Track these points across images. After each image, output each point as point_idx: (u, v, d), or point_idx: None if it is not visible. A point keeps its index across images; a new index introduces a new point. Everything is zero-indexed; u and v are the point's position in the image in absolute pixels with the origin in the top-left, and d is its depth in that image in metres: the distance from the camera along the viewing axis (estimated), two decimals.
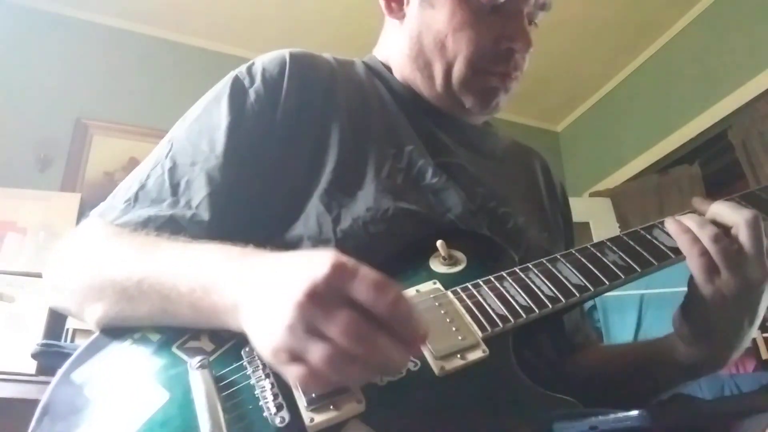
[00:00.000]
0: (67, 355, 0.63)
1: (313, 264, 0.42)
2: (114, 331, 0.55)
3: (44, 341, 0.75)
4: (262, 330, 0.44)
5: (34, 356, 0.75)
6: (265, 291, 0.45)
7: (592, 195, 3.34)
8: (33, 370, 1.85)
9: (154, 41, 3.04)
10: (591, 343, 0.85)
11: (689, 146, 2.95)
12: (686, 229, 0.62)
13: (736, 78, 2.68)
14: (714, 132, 2.82)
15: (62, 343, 1.70)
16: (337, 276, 0.42)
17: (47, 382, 1.63)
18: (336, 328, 0.41)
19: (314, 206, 0.66)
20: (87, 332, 1.91)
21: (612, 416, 0.40)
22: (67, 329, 1.96)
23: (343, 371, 0.42)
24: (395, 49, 0.85)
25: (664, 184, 3.04)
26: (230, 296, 0.48)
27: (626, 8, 2.93)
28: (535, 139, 3.63)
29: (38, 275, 2.07)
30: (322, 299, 0.41)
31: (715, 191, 2.92)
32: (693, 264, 0.61)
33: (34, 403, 0.48)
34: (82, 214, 2.31)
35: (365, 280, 0.42)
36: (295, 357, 0.42)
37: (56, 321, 1.99)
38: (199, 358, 0.49)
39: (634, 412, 0.40)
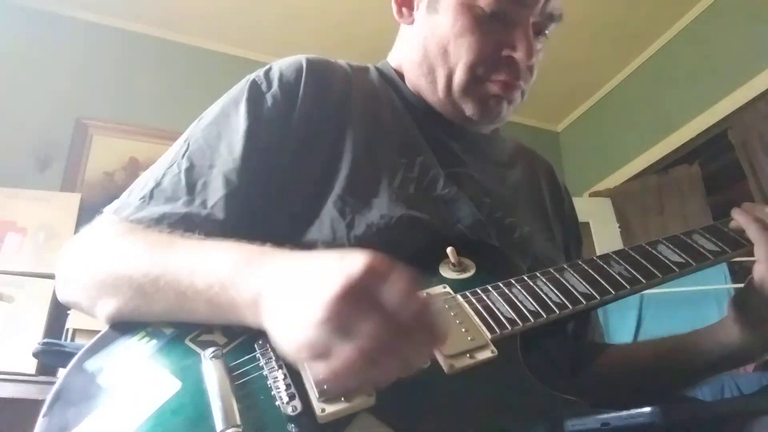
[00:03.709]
0: (69, 354, 0.62)
1: (345, 264, 0.43)
2: (127, 323, 0.56)
3: (46, 340, 0.74)
4: (287, 324, 0.44)
5: (36, 355, 0.75)
6: (291, 286, 0.46)
7: (592, 195, 3.34)
8: (33, 370, 1.85)
9: (154, 41, 3.04)
10: (598, 351, 0.86)
11: (689, 146, 2.95)
12: (756, 219, 0.66)
13: (736, 78, 2.68)
14: (714, 132, 2.82)
15: (64, 342, 1.70)
16: (370, 277, 0.42)
17: (47, 382, 1.63)
18: (366, 331, 0.41)
19: (328, 212, 0.67)
20: (87, 332, 1.92)
21: (624, 413, 0.40)
22: (67, 329, 1.96)
23: (365, 373, 0.42)
24: (406, 55, 0.85)
25: (664, 184, 3.04)
26: (248, 292, 0.49)
27: (626, 8, 2.93)
28: (535, 139, 3.64)
29: (38, 275, 2.07)
30: (354, 299, 0.41)
31: (715, 191, 2.93)
32: (762, 251, 0.64)
33: (34, 403, 0.48)
34: (82, 214, 2.31)
35: (396, 287, 0.42)
36: (320, 355, 0.42)
37: (56, 321, 1.98)
38: (212, 349, 0.50)
39: (646, 409, 0.39)
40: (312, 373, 0.44)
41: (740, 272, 2.55)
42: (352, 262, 0.43)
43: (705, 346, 0.72)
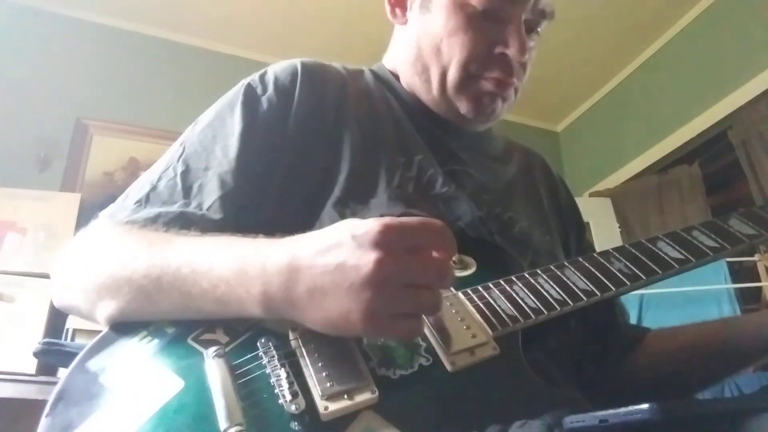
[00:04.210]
0: (69, 354, 0.62)
1: (359, 233, 0.45)
2: (129, 323, 0.55)
3: (46, 339, 0.75)
4: (340, 310, 0.46)
5: (36, 355, 0.75)
6: (319, 274, 0.47)
7: (592, 195, 3.35)
8: (33, 370, 1.85)
9: (154, 41, 3.05)
10: (642, 335, 0.85)
11: (689, 146, 2.96)
12: None
13: (736, 78, 2.69)
14: (714, 132, 2.83)
15: (64, 341, 1.70)
16: (390, 232, 0.45)
17: (47, 382, 1.64)
18: (422, 272, 0.46)
19: (327, 213, 0.67)
20: (87, 332, 1.93)
21: (622, 410, 0.40)
22: (67, 329, 1.96)
23: (438, 301, 0.48)
24: (400, 55, 0.86)
25: (664, 184, 3.05)
26: (258, 288, 0.49)
27: (626, 8, 2.94)
28: (535, 139, 3.64)
29: (38, 275, 2.07)
30: (391, 257, 0.44)
31: (715, 191, 2.93)
32: None
33: (34, 403, 0.47)
34: (82, 214, 2.31)
35: (415, 226, 0.47)
36: (396, 316, 0.46)
37: (56, 321, 1.99)
38: (214, 348, 0.50)
39: (645, 405, 0.39)
40: (397, 336, 0.48)
41: (740, 272, 2.56)
42: (362, 227, 0.46)
43: (748, 334, 0.73)
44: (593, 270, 0.63)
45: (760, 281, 2.40)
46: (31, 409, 0.47)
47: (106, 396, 0.48)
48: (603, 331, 0.81)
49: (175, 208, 0.63)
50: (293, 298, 0.48)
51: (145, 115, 2.83)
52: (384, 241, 0.44)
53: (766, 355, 0.74)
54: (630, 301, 2.47)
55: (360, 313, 0.45)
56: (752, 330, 0.73)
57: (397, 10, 0.85)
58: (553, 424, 0.46)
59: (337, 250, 0.46)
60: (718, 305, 2.41)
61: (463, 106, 0.79)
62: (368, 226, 0.45)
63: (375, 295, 0.44)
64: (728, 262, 2.43)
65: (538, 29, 0.80)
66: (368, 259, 0.44)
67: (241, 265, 0.51)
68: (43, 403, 0.48)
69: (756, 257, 2.36)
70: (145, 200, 0.65)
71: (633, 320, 2.51)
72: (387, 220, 0.46)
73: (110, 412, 0.47)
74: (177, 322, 0.54)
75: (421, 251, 0.47)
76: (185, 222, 0.61)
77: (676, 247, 0.66)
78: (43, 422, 0.47)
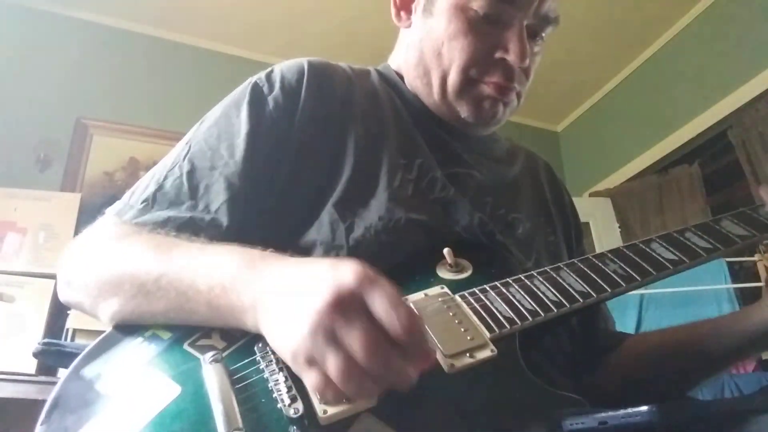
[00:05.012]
0: (69, 354, 0.62)
1: (337, 273, 0.44)
2: (124, 329, 0.56)
3: (46, 340, 0.75)
4: (281, 333, 0.45)
5: (36, 355, 0.75)
6: (286, 295, 0.47)
7: (592, 195, 3.35)
8: (33, 370, 1.85)
9: (154, 41, 3.04)
10: (621, 339, 0.85)
11: (689, 146, 2.95)
12: None
13: (736, 78, 2.68)
14: (714, 132, 2.83)
15: (64, 341, 1.70)
16: (360, 288, 0.43)
17: (47, 382, 1.63)
18: (355, 342, 0.42)
19: (328, 213, 0.67)
20: (87, 332, 1.93)
21: (621, 411, 0.40)
22: (67, 329, 1.96)
23: (356, 384, 0.43)
24: (404, 58, 0.86)
25: (664, 184, 3.04)
26: (248, 297, 0.49)
27: (626, 8, 2.93)
28: (535, 139, 3.64)
29: (38, 275, 2.07)
30: (344, 309, 0.42)
31: (715, 191, 2.93)
32: None
33: (33, 403, 0.47)
34: (82, 214, 2.31)
35: (384, 297, 0.43)
36: (313, 362, 0.43)
37: (56, 321, 1.98)
38: (212, 353, 0.50)
39: (644, 408, 0.40)
40: (305, 381, 0.45)
41: (740, 272, 2.56)
42: (343, 271, 0.44)
43: (724, 333, 0.71)
44: (588, 271, 0.64)
45: (760, 281, 2.40)
46: (31, 409, 0.47)
47: (103, 403, 0.48)
48: (580, 335, 0.81)
49: (184, 210, 0.63)
50: (267, 315, 0.48)
51: (145, 115, 2.83)
52: (347, 287, 0.43)
53: (743, 356, 0.73)
54: (630, 300, 2.48)
55: (291, 344, 0.43)
56: (728, 329, 0.72)
57: (402, 14, 0.86)
58: (553, 426, 0.46)
59: (312, 280, 0.45)
60: (718, 305, 2.41)
61: (463, 111, 0.79)
62: (349, 268, 0.44)
63: (310, 332, 0.42)
64: (728, 262, 2.43)
65: (543, 34, 0.80)
66: (323, 296, 0.43)
67: (239, 273, 0.51)
68: (43, 403, 0.48)
69: (756, 257, 2.36)
70: (152, 200, 0.65)
71: (633, 320, 2.52)
72: (368, 272, 0.44)
73: (107, 420, 0.47)
74: (173, 328, 0.54)
75: (380, 331, 0.42)
76: (195, 229, 0.62)
77: (670, 249, 0.67)
78: (39, 430, 0.46)
